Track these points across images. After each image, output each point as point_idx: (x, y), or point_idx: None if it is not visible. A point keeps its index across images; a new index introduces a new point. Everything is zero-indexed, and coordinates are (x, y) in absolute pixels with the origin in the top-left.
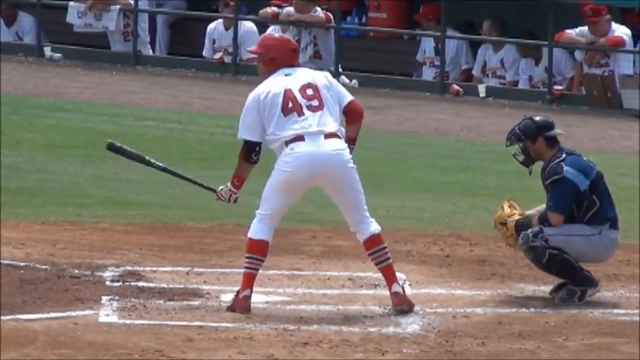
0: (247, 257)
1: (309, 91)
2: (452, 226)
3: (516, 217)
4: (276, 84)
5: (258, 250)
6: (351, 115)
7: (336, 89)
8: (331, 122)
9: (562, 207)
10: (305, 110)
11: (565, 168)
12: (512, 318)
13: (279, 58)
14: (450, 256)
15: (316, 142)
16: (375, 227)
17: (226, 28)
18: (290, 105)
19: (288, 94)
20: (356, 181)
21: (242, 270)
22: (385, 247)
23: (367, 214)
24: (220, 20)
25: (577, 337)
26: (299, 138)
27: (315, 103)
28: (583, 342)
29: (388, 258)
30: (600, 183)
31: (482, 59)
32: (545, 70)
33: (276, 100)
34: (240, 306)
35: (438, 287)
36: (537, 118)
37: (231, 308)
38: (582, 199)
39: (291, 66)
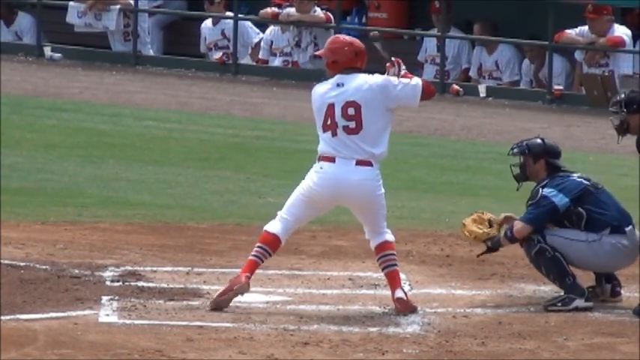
0: (258, 247)
1: (351, 111)
2: (452, 226)
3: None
4: (326, 93)
5: (270, 244)
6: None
7: (398, 97)
8: (366, 147)
9: (533, 220)
10: (339, 132)
11: (541, 191)
12: (512, 318)
13: (341, 61)
14: (450, 256)
15: (346, 167)
16: (389, 237)
17: (214, 24)
18: (328, 122)
19: (329, 111)
20: (381, 207)
21: (250, 257)
22: (394, 254)
23: (385, 228)
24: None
25: (577, 337)
26: (331, 159)
27: (352, 125)
28: (583, 342)
29: (395, 264)
30: (589, 195)
31: (477, 61)
32: (542, 76)
33: (320, 110)
34: (238, 281)
35: (438, 287)
36: (548, 141)
37: (224, 293)
38: (569, 215)
39: (354, 68)
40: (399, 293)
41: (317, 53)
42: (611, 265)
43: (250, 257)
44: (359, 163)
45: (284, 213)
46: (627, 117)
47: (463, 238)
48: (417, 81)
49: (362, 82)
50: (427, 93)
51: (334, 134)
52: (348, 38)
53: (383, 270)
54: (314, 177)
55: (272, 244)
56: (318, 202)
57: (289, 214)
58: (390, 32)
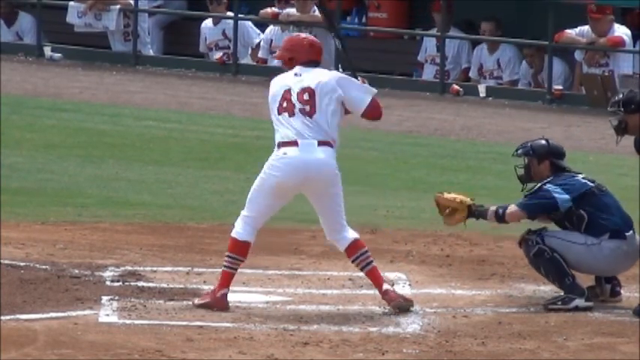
0: (228, 256)
1: (306, 96)
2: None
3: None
4: (283, 81)
5: (240, 251)
6: (369, 118)
7: (350, 95)
8: (324, 129)
9: (527, 207)
10: (297, 112)
11: (544, 186)
12: (512, 318)
13: (297, 57)
14: (450, 256)
15: (309, 148)
16: (353, 234)
17: (214, 24)
18: (284, 104)
19: (286, 95)
20: (340, 189)
21: (223, 269)
22: (367, 251)
23: (345, 222)
24: None
25: (577, 337)
26: (292, 143)
27: (307, 108)
28: (583, 342)
29: (372, 261)
30: (592, 197)
31: (478, 61)
32: (541, 79)
33: (276, 96)
34: (219, 304)
35: (438, 287)
36: (552, 142)
37: (204, 306)
38: (570, 216)
39: (312, 62)
40: (385, 287)
41: (274, 56)
42: (609, 270)
43: (224, 270)
44: (320, 143)
45: (246, 211)
46: (625, 117)
47: (441, 209)
48: (372, 94)
49: (319, 73)
50: (373, 110)
51: (292, 114)
52: (301, 35)
53: (362, 270)
54: (277, 165)
55: (240, 250)
56: (283, 190)
57: (253, 211)
58: (390, 32)
